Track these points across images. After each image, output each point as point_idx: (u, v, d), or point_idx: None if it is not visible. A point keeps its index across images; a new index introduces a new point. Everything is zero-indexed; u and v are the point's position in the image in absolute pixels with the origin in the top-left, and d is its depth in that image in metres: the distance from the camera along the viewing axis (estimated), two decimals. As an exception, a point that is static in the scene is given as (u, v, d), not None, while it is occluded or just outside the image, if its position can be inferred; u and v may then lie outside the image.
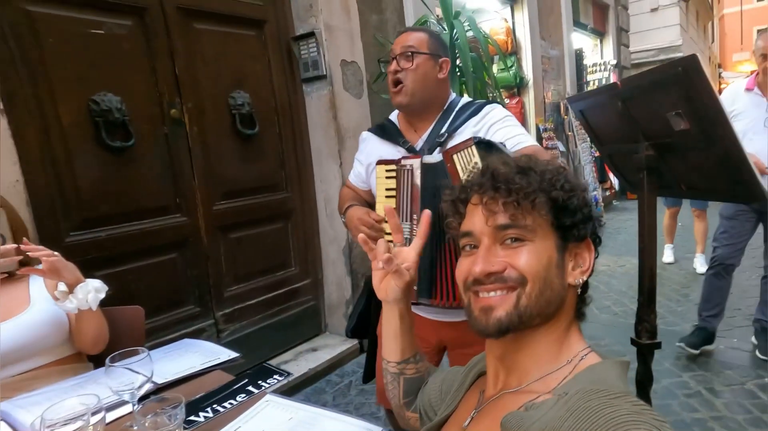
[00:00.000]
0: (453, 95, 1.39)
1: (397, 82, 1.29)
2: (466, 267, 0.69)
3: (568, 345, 0.67)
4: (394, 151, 1.36)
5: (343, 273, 2.97)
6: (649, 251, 1.08)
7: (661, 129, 0.96)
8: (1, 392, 1.17)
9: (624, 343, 2.86)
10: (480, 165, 1.05)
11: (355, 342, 2.95)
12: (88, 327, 1.31)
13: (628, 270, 4.39)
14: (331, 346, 2.93)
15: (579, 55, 6.78)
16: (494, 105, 1.32)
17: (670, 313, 3.43)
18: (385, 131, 1.41)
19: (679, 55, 11.64)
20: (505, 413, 0.59)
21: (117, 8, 2.10)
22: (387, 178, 1.24)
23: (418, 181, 1.18)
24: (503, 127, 1.26)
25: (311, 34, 2.77)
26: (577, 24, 6.80)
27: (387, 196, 1.24)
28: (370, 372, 1.59)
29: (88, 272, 1.32)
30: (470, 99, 1.39)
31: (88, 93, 2.01)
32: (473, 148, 1.08)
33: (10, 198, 1.54)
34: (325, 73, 2.79)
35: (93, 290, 1.26)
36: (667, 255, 4.47)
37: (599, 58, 8.05)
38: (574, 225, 0.67)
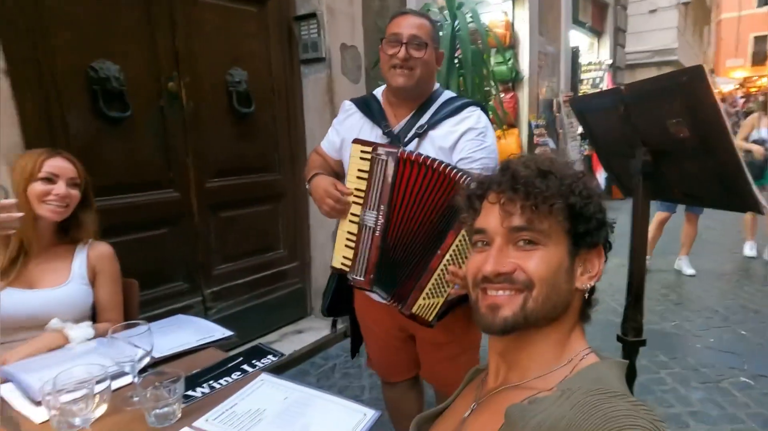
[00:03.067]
0: (437, 85, 1.37)
1: (402, 68, 1.25)
2: (477, 264, 0.70)
3: (570, 345, 0.69)
4: (372, 132, 1.35)
5: (330, 256, 2.98)
6: (640, 253, 1.12)
7: (660, 136, 0.98)
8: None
9: (603, 339, 2.94)
10: None
11: (341, 326, 2.97)
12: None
13: (609, 268, 4.43)
14: (315, 329, 2.96)
15: (575, 53, 6.81)
16: (475, 109, 1.30)
17: (650, 312, 3.53)
18: (370, 109, 1.39)
19: (674, 58, 11.77)
20: (507, 405, 0.61)
21: (119, -25, 2.04)
22: (361, 158, 1.22)
23: (390, 173, 1.17)
24: (472, 143, 1.25)
25: (313, 15, 2.74)
26: (576, 22, 6.81)
27: (358, 177, 1.23)
28: (357, 347, 1.63)
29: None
30: (454, 94, 1.38)
31: (87, 59, 1.97)
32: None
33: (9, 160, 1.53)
34: (324, 55, 2.76)
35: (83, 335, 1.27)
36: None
37: (595, 57, 8.09)
38: (588, 232, 0.68)
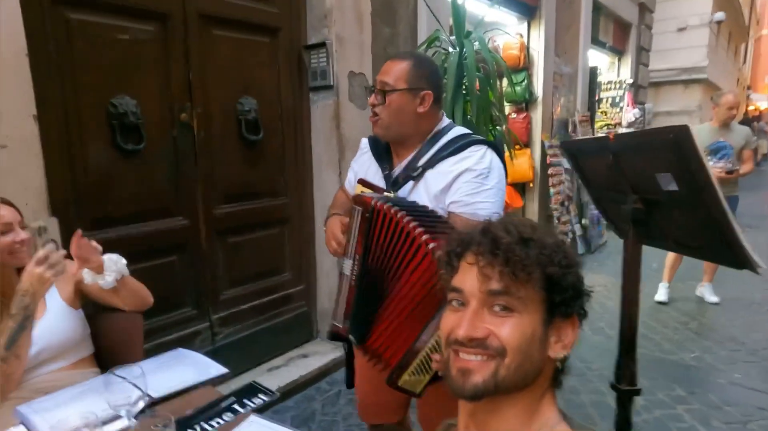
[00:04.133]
0: (446, 122, 1.36)
1: (375, 114, 1.29)
2: (451, 324, 0.70)
3: (540, 412, 0.70)
4: (377, 173, 1.38)
5: (335, 283, 2.98)
6: (631, 300, 1.09)
7: (650, 185, 0.96)
8: (23, 394, 1.25)
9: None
10: None
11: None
12: (132, 289, 1.43)
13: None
14: (321, 353, 2.95)
15: (593, 73, 6.73)
16: (479, 148, 1.26)
17: (667, 341, 3.38)
18: (378, 149, 1.41)
19: (703, 76, 11.49)
20: None
21: (143, 14, 2.15)
22: None
23: (359, 222, 1.16)
24: (467, 186, 1.22)
25: (322, 44, 2.80)
26: (596, 42, 6.75)
27: None
28: (351, 378, 1.60)
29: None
30: (464, 131, 1.35)
31: (108, 96, 2.06)
32: None
33: (35, 202, 1.61)
34: (332, 83, 2.81)
35: (117, 260, 1.35)
36: (660, 293, 4.13)
37: (615, 75, 7.99)
38: (564, 302, 0.68)
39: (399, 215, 1.09)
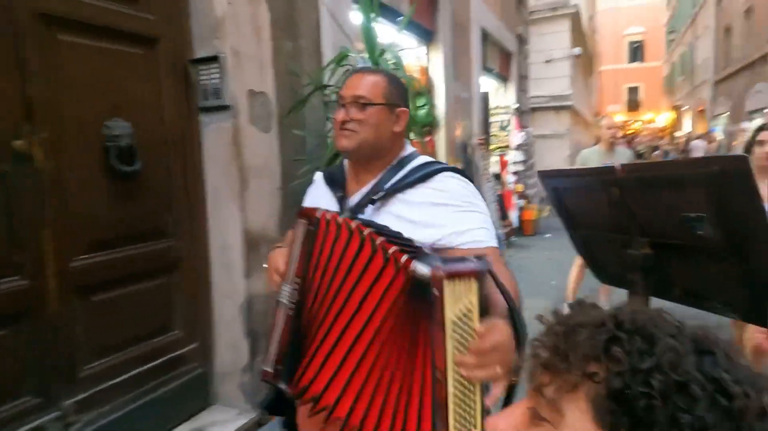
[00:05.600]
0: (409, 150, 1.22)
1: (344, 129, 1.13)
2: None
3: None
4: (332, 201, 1.20)
5: (239, 334, 2.53)
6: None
7: (668, 227, 0.77)
8: None
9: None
10: (474, 313, 0.82)
11: (252, 415, 2.50)
12: None
13: (532, 311, 4.33)
14: (220, 424, 2.45)
15: (486, 98, 7.02)
16: (451, 174, 1.14)
17: None
18: (332, 177, 1.27)
19: (569, 103, 12.76)
20: None
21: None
22: None
23: (301, 237, 1.02)
24: (459, 213, 1.07)
25: (214, 59, 2.38)
26: (486, 68, 7.05)
27: None
28: None
29: None
30: (430, 159, 1.22)
31: None
32: (473, 282, 0.83)
33: None
34: (228, 103, 2.40)
35: None
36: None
37: (502, 101, 8.46)
38: None
39: (353, 224, 0.95)
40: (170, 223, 2.38)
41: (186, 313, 2.46)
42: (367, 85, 1.13)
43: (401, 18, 3.17)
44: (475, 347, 0.81)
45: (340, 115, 1.13)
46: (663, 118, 32.50)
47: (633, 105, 35.29)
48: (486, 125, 7.11)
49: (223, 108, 2.42)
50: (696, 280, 0.82)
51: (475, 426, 0.81)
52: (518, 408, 0.50)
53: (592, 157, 4.18)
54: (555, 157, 11.24)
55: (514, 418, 0.49)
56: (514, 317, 0.88)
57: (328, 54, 3.00)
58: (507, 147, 8.08)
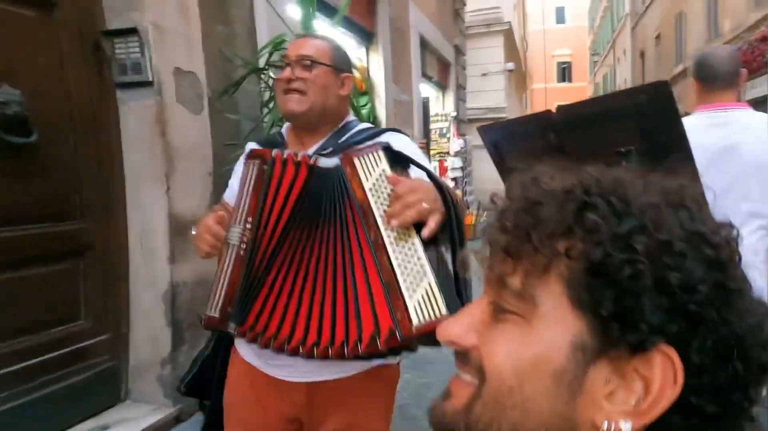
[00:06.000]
0: (352, 117, 1.25)
1: (291, 90, 1.12)
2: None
3: None
4: None
5: (161, 324, 2.38)
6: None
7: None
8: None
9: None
10: (387, 173, 0.92)
11: (171, 410, 2.36)
12: None
13: None
14: (131, 421, 2.28)
15: (426, 104, 7.17)
16: (398, 134, 1.18)
17: None
18: (271, 143, 1.22)
19: (504, 115, 13.31)
20: None
21: None
22: None
23: (255, 176, 1.02)
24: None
25: (132, 31, 2.25)
26: (425, 75, 7.21)
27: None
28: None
29: None
30: (370, 125, 1.28)
31: None
32: (380, 152, 0.95)
33: None
34: (150, 79, 2.27)
35: None
36: None
37: (441, 108, 8.68)
38: (632, 320, 0.33)
39: (311, 159, 0.99)
40: (78, 205, 2.20)
41: (95, 302, 2.27)
42: (313, 47, 1.14)
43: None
44: (394, 194, 0.88)
45: (286, 73, 1.11)
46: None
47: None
48: (426, 130, 7.25)
49: (145, 84, 2.29)
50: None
51: (427, 283, 0.84)
52: (476, 307, 0.43)
53: None
54: (490, 169, 11.65)
55: (472, 318, 0.42)
56: (436, 182, 0.97)
57: (264, 40, 2.94)
58: (447, 153, 8.29)
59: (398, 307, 0.83)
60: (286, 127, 1.30)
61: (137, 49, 2.26)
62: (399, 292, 0.84)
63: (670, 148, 0.72)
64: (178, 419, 2.40)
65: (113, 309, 2.36)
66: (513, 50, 15.15)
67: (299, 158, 1.00)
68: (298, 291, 0.93)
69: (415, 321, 0.82)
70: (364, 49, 5.23)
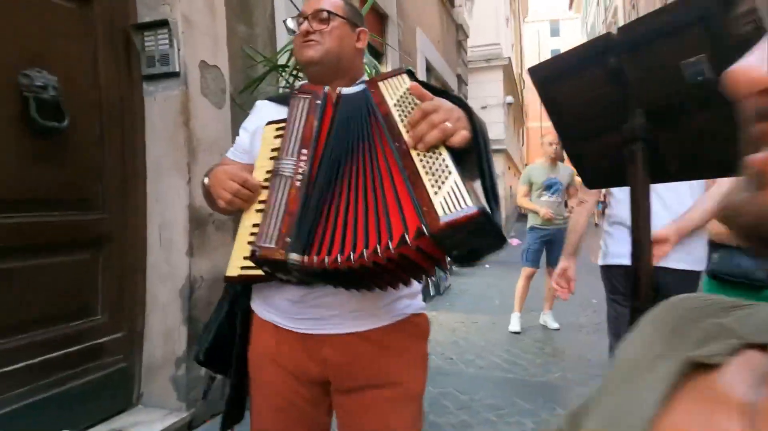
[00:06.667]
0: (366, 77, 1.22)
1: (309, 40, 1.13)
2: None
3: None
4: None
5: (177, 321, 2.26)
6: (645, 245, 0.84)
7: (663, 88, 0.75)
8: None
9: (497, 396, 2.70)
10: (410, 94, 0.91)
11: (184, 415, 2.21)
12: None
13: (480, 326, 4.45)
14: (144, 424, 2.13)
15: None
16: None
17: (532, 365, 3.47)
18: (284, 96, 1.22)
19: (503, 147, 13.48)
20: None
21: None
22: (275, 137, 1.03)
23: (310, 110, 1.00)
24: None
25: (163, 23, 2.26)
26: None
27: (271, 157, 1.02)
28: (235, 415, 1.17)
29: None
30: None
31: None
32: (404, 75, 0.96)
33: None
34: (178, 69, 2.26)
35: None
36: (513, 323, 4.26)
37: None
38: None
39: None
40: (100, 194, 2.13)
41: (112, 296, 2.16)
42: (328, 2, 1.16)
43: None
44: (419, 109, 0.86)
45: (303, 26, 1.13)
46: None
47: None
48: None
49: (171, 75, 2.27)
50: (690, 144, 0.81)
51: (452, 181, 0.81)
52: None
53: (536, 172, 4.41)
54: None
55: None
56: (464, 105, 0.95)
57: (282, 43, 2.97)
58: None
59: (425, 203, 0.82)
60: (299, 85, 1.30)
61: (166, 41, 2.26)
62: (425, 190, 0.83)
63: (742, 50, 0.68)
64: (190, 425, 2.25)
65: (129, 304, 2.24)
66: (512, 85, 15.55)
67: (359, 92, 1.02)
68: (343, 212, 0.91)
69: (440, 214, 0.79)
70: (373, 66, 5.32)
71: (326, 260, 0.86)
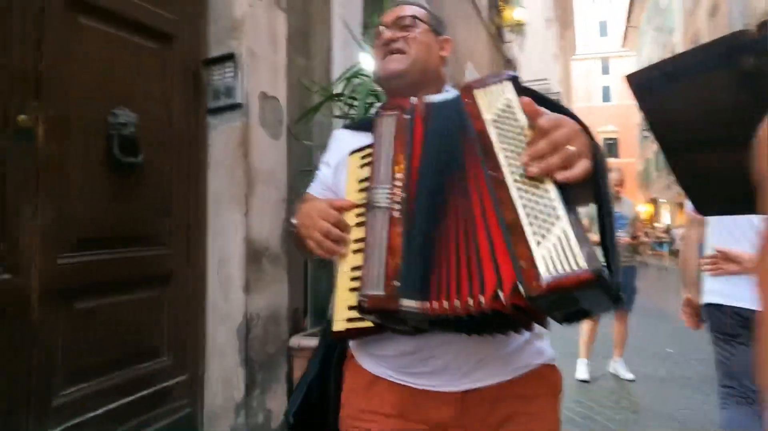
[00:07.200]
0: (450, 87, 1.11)
1: (392, 51, 1.04)
2: None
3: None
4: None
5: (233, 363, 2.17)
6: None
7: None
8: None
9: None
10: (514, 103, 0.75)
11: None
12: None
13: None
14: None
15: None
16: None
17: (611, 421, 3.09)
18: (362, 122, 1.15)
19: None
20: None
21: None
22: (361, 167, 0.91)
23: (398, 125, 0.86)
24: None
25: (229, 57, 2.26)
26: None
27: (360, 189, 0.88)
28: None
29: None
30: None
31: None
32: (506, 83, 0.78)
33: None
34: (241, 101, 2.24)
35: None
36: (581, 371, 3.86)
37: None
38: None
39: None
40: (166, 230, 2.09)
41: (175, 336, 2.09)
42: (411, 9, 1.09)
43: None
44: (538, 128, 0.69)
45: (386, 34, 1.05)
46: (641, 211, 33.75)
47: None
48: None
49: (234, 107, 2.25)
50: None
51: (560, 230, 0.64)
52: None
53: None
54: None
55: None
56: (580, 122, 0.74)
57: (338, 73, 2.94)
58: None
59: (522, 255, 0.65)
60: (380, 104, 1.19)
61: (231, 74, 2.25)
62: (523, 237, 0.66)
63: None
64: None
65: (191, 344, 2.17)
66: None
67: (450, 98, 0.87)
68: (454, 247, 0.75)
69: (543, 272, 0.62)
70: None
71: (446, 305, 0.71)
